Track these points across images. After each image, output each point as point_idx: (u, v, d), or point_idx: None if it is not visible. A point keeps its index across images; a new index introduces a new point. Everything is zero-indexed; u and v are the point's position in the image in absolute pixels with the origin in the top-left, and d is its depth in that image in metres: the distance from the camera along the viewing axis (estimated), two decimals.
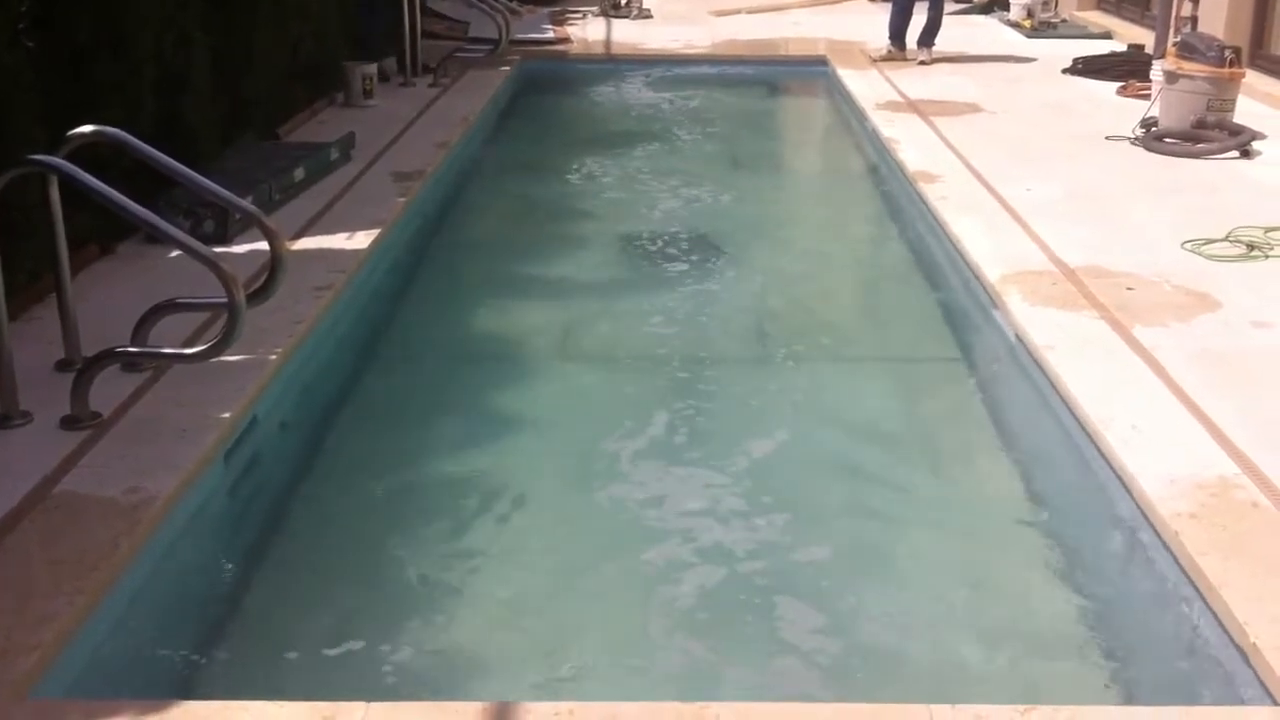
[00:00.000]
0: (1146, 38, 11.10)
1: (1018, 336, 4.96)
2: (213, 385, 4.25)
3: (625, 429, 4.57)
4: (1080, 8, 13.99)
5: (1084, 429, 4.14)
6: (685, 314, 5.77)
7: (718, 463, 4.31)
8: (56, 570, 3.21)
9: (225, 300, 3.84)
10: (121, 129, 4.40)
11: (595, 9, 14.53)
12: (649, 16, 14.34)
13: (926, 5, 11.21)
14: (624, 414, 4.70)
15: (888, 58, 11.19)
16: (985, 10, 14.53)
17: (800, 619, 3.48)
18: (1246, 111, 8.18)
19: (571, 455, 4.48)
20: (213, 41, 6.86)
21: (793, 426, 4.67)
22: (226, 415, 4.09)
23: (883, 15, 11.88)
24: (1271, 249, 5.81)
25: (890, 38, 11.28)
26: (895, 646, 3.38)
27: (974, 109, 9.18)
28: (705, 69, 11.92)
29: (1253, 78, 9.04)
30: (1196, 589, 3.25)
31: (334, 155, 7.35)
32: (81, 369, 4.08)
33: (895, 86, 10.01)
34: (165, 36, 6.18)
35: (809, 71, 11.65)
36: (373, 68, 9.31)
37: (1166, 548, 3.44)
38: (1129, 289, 5.29)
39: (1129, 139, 7.99)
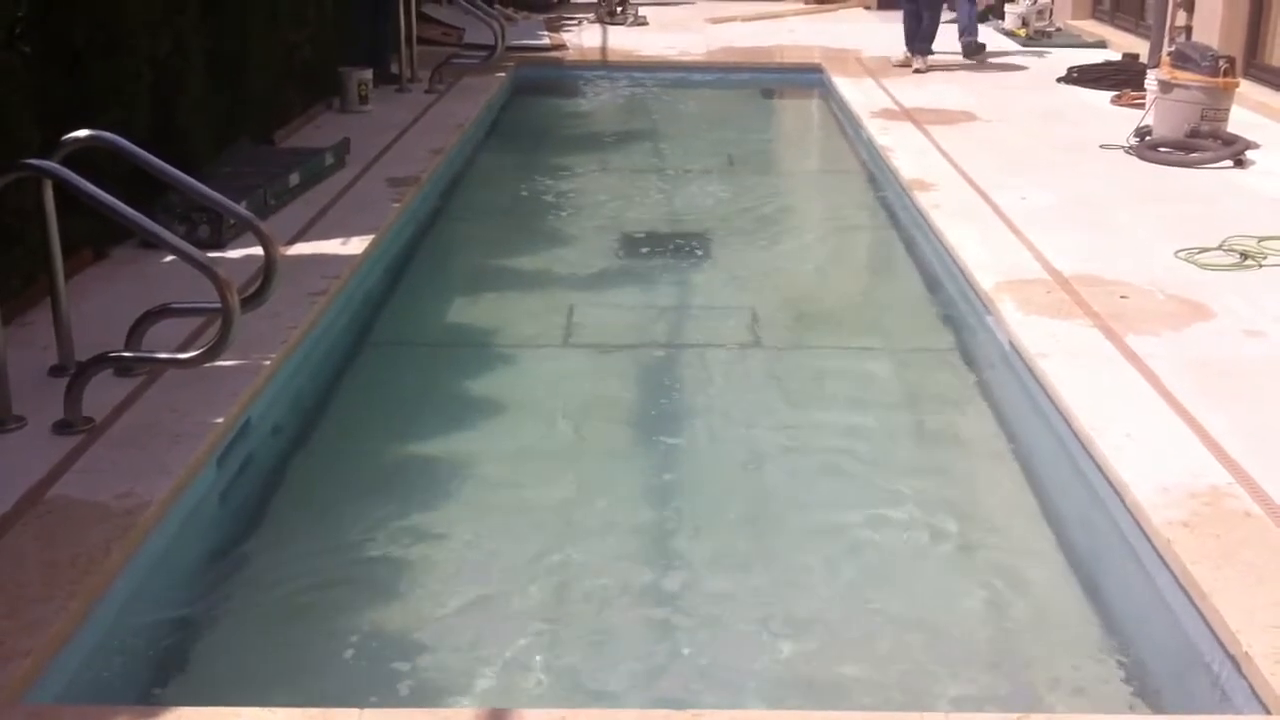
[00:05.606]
0: (1141, 47, 11.16)
1: (1011, 344, 4.97)
2: (206, 390, 4.25)
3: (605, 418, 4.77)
4: (1075, 17, 14.02)
5: (1077, 437, 4.15)
6: (672, 317, 5.79)
7: None
8: (49, 575, 3.21)
9: (219, 305, 3.84)
10: (116, 133, 4.40)
11: (591, 16, 14.55)
12: (644, 23, 14.36)
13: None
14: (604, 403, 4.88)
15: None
16: (980, 19, 14.53)
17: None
18: (1240, 121, 8.21)
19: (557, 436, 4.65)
20: (208, 46, 6.86)
21: (781, 440, 4.67)
22: (220, 420, 4.09)
23: (878, 23, 11.92)
24: (1265, 258, 5.82)
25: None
26: (886, 648, 3.39)
27: (969, 117, 9.19)
28: (700, 76, 11.92)
29: (1247, 87, 9.06)
30: (1189, 597, 3.26)
31: (329, 160, 7.36)
32: (75, 374, 4.08)
33: (890, 94, 10.03)
34: (161, 40, 6.18)
35: (804, 79, 11.67)
36: (368, 73, 9.32)
37: (1159, 556, 3.45)
38: (1123, 297, 5.30)
39: (1123, 148, 8.00)
